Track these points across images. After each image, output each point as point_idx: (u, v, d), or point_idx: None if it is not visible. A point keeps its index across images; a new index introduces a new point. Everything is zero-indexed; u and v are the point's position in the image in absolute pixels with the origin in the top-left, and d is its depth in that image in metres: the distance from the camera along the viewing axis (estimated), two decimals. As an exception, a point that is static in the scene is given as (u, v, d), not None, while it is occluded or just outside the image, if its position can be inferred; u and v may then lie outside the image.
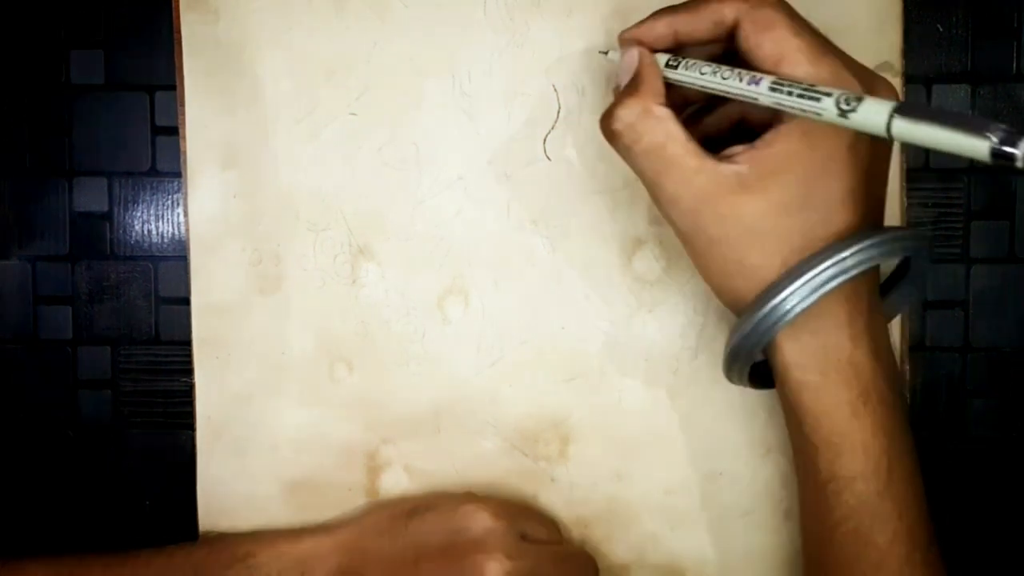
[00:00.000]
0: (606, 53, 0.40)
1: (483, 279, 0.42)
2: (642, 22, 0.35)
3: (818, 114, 0.29)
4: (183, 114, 0.41)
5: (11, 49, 0.42)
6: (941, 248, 0.43)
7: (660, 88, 0.34)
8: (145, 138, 0.43)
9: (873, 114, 0.28)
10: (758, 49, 0.32)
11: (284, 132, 0.42)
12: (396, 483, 0.43)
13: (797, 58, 0.31)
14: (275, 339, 0.42)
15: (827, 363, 0.33)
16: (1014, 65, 0.42)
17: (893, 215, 0.41)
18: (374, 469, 0.43)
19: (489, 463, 0.43)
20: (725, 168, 0.32)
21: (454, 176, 0.42)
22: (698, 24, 0.34)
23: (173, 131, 0.42)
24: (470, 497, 0.41)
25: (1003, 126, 0.25)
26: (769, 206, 0.32)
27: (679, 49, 0.35)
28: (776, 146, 0.32)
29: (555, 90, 0.41)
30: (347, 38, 0.41)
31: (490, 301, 0.42)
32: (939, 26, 0.42)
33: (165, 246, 0.43)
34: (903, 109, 0.27)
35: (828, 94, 0.29)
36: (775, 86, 0.31)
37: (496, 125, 0.42)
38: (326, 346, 0.42)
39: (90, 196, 0.43)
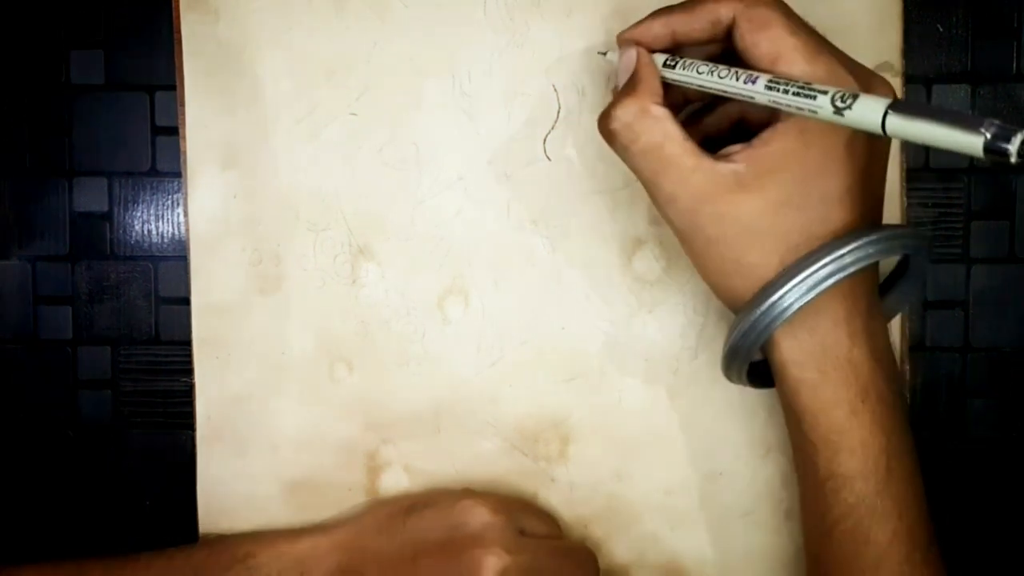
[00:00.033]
0: (605, 54, 0.40)
1: (483, 279, 0.42)
2: (640, 22, 0.35)
3: (814, 112, 0.30)
4: (183, 114, 0.41)
5: (11, 49, 0.42)
6: (941, 248, 0.43)
7: (657, 88, 0.34)
8: (145, 138, 0.43)
9: (868, 111, 0.28)
10: (754, 48, 0.32)
11: (284, 132, 0.42)
12: (396, 483, 0.43)
13: (793, 57, 0.32)
14: (275, 339, 0.42)
15: (825, 361, 0.33)
16: (1014, 65, 0.42)
17: (893, 215, 0.41)
18: (374, 469, 0.43)
19: (489, 463, 0.43)
20: (722, 167, 0.32)
21: (454, 176, 0.42)
22: (695, 24, 0.34)
23: (173, 131, 0.42)
24: (468, 493, 0.41)
25: (997, 122, 0.25)
26: (766, 204, 0.32)
27: (677, 49, 0.35)
28: (773, 145, 0.32)
29: (555, 90, 0.41)
30: (347, 38, 0.41)
31: (490, 301, 0.42)
32: (939, 26, 0.42)
33: (165, 246, 0.43)
34: (898, 106, 0.27)
35: (824, 92, 0.29)
36: (771, 84, 0.31)
37: (496, 125, 0.42)
38: (326, 346, 0.42)
39: (90, 196, 0.43)
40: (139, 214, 0.43)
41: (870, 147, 0.33)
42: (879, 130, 0.27)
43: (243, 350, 0.42)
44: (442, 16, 0.41)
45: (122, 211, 0.43)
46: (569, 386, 0.42)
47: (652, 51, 0.35)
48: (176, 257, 0.43)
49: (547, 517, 0.42)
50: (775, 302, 0.32)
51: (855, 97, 0.28)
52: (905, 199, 0.42)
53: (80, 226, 0.43)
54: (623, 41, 0.36)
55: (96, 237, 0.43)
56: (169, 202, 0.43)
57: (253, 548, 0.40)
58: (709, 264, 0.34)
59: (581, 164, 0.42)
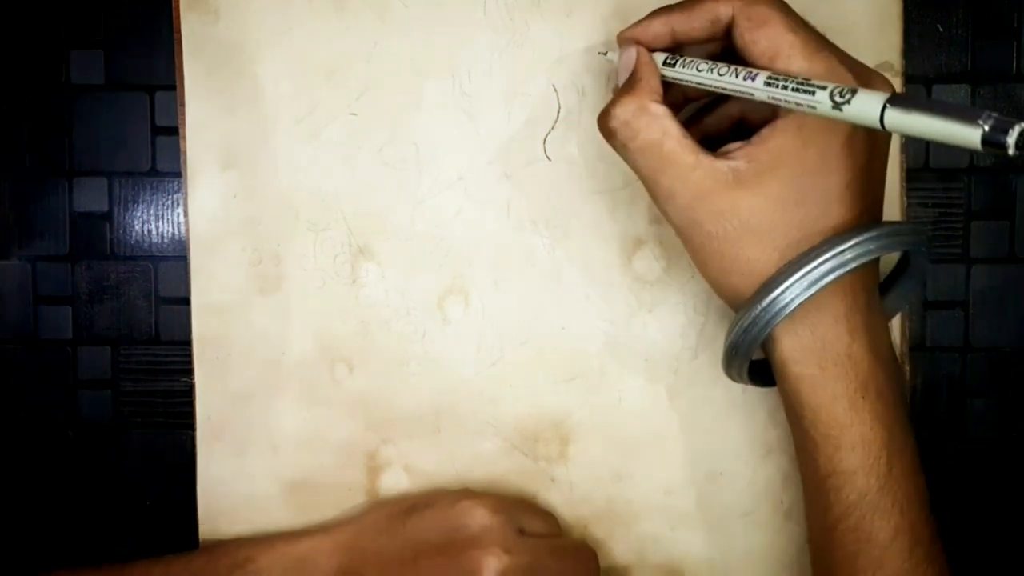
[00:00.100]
0: (605, 54, 0.40)
1: (483, 279, 0.42)
2: (639, 22, 0.36)
3: (813, 107, 0.30)
4: (183, 114, 0.41)
5: (11, 49, 0.42)
6: (941, 248, 0.43)
7: (657, 86, 0.34)
8: (145, 138, 0.43)
9: (866, 105, 0.28)
10: (754, 46, 0.32)
11: (284, 132, 0.42)
12: (396, 483, 0.43)
13: (792, 53, 0.32)
14: (275, 339, 0.42)
15: (825, 356, 0.33)
16: (1014, 65, 0.42)
17: (893, 215, 0.41)
18: (374, 469, 0.43)
19: (489, 463, 0.43)
20: (721, 164, 0.32)
21: (454, 176, 0.42)
22: (694, 22, 0.34)
23: (173, 131, 0.42)
24: (467, 493, 0.41)
25: (995, 114, 0.25)
26: (766, 201, 0.32)
27: (677, 48, 0.36)
28: (772, 142, 0.32)
29: (555, 90, 0.41)
30: (347, 38, 0.41)
31: (490, 301, 0.42)
32: (939, 26, 0.42)
33: (165, 246, 0.43)
34: (896, 100, 0.27)
35: (822, 87, 0.29)
36: (770, 81, 0.31)
37: (496, 125, 0.42)
38: (326, 346, 0.42)
39: (90, 196, 0.43)
40: (139, 214, 0.43)
41: (870, 144, 0.33)
42: (878, 124, 0.28)
43: (243, 350, 0.42)
44: (442, 16, 0.41)
45: (122, 211, 0.43)
46: (569, 386, 0.42)
47: (652, 50, 0.35)
48: (176, 257, 0.43)
49: (547, 516, 0.41)
50: (775, 298, 0.32)
51: (854, 92, 0.28)
52: (905, 199, 0.42)
53: (80, 226, 0.43)
54: (623, 40, 0.36)
55: (96, 237, 0.43)
56: (169, 202, 0.43)
57: (252, 552, 0.39)
58: (709, 261, 0.34)
59: (581, 164, 0.42)
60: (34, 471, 0.43)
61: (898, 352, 0.42)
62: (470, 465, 0.43)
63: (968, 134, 0.25)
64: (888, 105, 0.27)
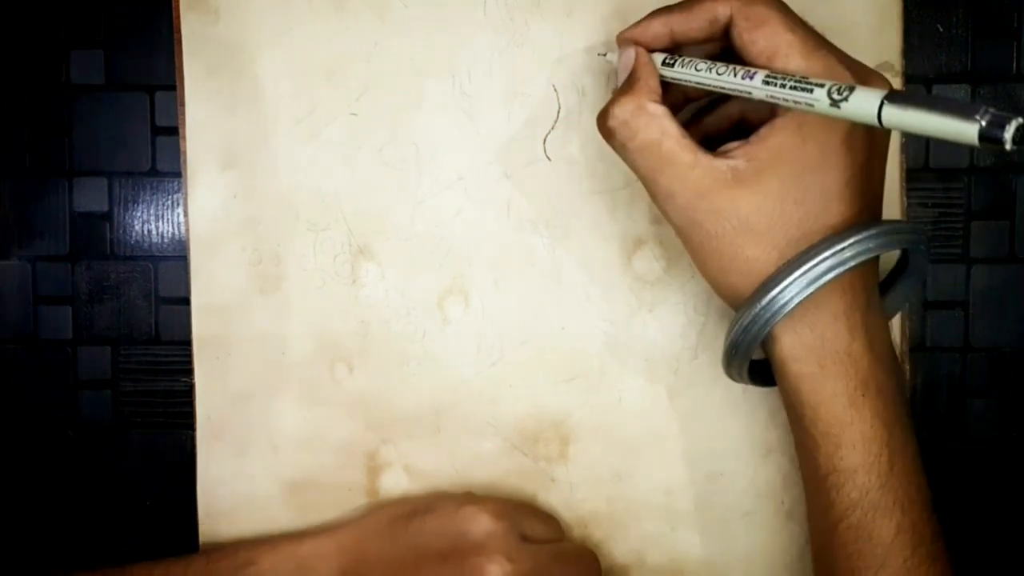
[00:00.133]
0: (605, 55, 0.40)
1: (483, 279, 0.42)
2: (638, 22, 0.36)
3: (811, 105, 0.30)
4: (183, 114, 0.41)
5: (11, 49, 0.42)
6: (941, 248, 0.43)
7: (655, 86, 0.34)
8: (145, 138, 0.43)
9: (864, 102, 0.28)
10: (752, 45, 0.32)
11: (284, 132, 0.42)
12: (396, 483, 0.43)
13: (790, 52, 0.32)
14: (275, 339, 0.42)
15: (824, 354, 0.33)
16: (1014, 65, 0.42)
17: (893, 215, 0.42)
18: (374, 469, 0.42)
19: (489, 463, 0.43)
20: (720, 163, 0.33)
21: (454, 176, 0.42)
22: (693, 23, 0.34)
23: (173, 131, 0.42)
24: (470, 498, 0.41)
25: (992, 110, 0.25)
26: (765, 199, 0.32)
27: (677, 49, 0.36)
28: (771, 140, 0.32)
29: (555, 90, 0.42)
30: (347, 38, 0.41)
31: (490, 301, 0.42)
32: (939, 26, 0.42)
33: (165, 246, 0.43)
34: (894, 96, 0.27)
35: (820, 85, 0.29)
36: (768, 79, 0.31)
37: (496, 125, 0.42)
38: (326, 346, 0.42)
39: (90, 196, 0.43)
40: (139, 214, 0.43)
41: (869, 142, 0.33)
42: (875, 121, 0.28)
43: (243, 350, 0.42)
44: (442, 16, 0.41)
45: (122, 211, 0.43)
46: (569, 386, 0.42)
47: (651, 51, 0.36)
48: (176, 257, 0.43)
49: (549, 520, 0.41)
50: (775, 297, 0.32)
51: (851, 89, 0.29)
52: (905, 199, 0.42)
53: (80, 226, 0.43)
54: (622, 41, 0.36)
55: (96, 237, 0.43)
56: (169, 202, 0.43)
57: (253, 554, 0.39)
58: (708, 260, 0.34)
59: (581, 164, 0.42)
60: (34, 471, 0.43)
61: (898, 352, 0.42)
62: (470, 465, 0.43)
63: (965, 129, 0.25)
64: (886, 101, 0.27)
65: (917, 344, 0.43)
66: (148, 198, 0.43)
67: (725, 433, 0.42)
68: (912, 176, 0.42)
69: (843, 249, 0.32)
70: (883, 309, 0.36)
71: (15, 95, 0.42)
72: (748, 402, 0.42)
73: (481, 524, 0.38)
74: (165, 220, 0.43)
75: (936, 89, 0.42)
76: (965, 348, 0.43)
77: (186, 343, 0.42)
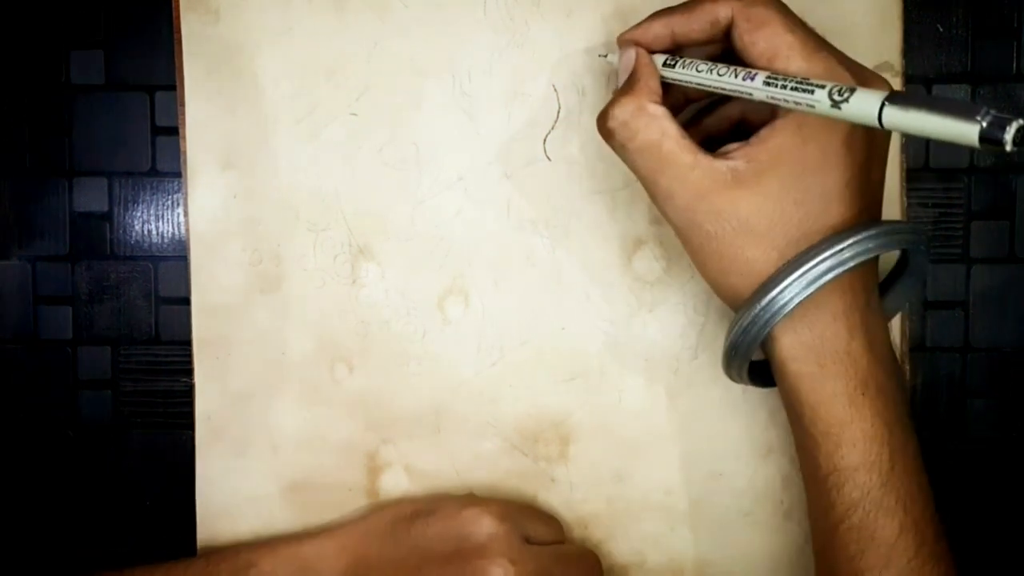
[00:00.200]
0: (605, 56, 0.40)
1: (483, 279, 0.42)
2: (639, 24, 0.36)
3: (811, 106, 0.30)
4: (183, 114, 0.41)
5: (11, 49, 0.42)
6: (941, 248, 0.43)
7: (655, 87, 0.34)
8: (145, 138, 0.43)
9: (865, 103, 0.28)
10: (753, 47, 0.33)
11: (284, 132, 0.42)
12: (396, 483, 0.43)
13: (791, 54, 0.32)
14: (275, 339, 0.42)
15: (824, 354, 0.33)
16: (1014, 65, 0.42)
17: (893, 215, 0.42)
18: (374, 469, 0.42)
19: (489, 463, 0.43)
20: (720, 164, 0.33)
21: (454, 176, 0.42)
22: (693, 24, 0.34)
23: (173, 131, 0.42)
24: (472, 500, 0.41)
25: (992, 111, 0.25)
26: (765, 200, 0.32)
27: (677, 50, 0.36)
28: (771, 141, 0.32)
29: (555, 90, 0.42)
30: (347, 38, 0.41)
31: (490, 301, 0.42)
32: (939, 26, 0.42)
33: (165, 246, 0.43)
34: (894, 97, 0.27)
35: (821, 86, 0.29)
36: (769, 81, 0.31)
37: (496, 125, 0.42)
38: (326, 346, 0.42)
39: (90, 196, 0.43)
40: (139, 214, 0.43)
41: (869, 143, 0.33)
42: (876, 122, 0.28)
43: (243, 350, 0.42)
44: (442, 16, 0.41)
45: (122, 211, 0.43)
46: (569, 386, 0.42)
47: (652, 52, 0.36)
48: (176, 257, 0.43)
49: (551, 521, 0.41)
50: (775, 297, 0.32)
51: (852, 90, 0.29)
52: (905, 199, 0.42)
53: (80, 226, 0.43)
54: (623, 42, 0.36)
55: (96, 237, 0.43)
56: (169, 202, 0.43)
57: (253, 556, 0.39)
58: (708, 261, 0.34)
59: (581, 164, 0.42)
60: (34, 471, 0.43)
61: (898, 352, 0.42)
62: (470, 465, 0.43)
63: (966, 131, 0.25)
64: (886, 103, 0.27)
65: (917, 344, 0.43)
66: (148, 198, 0.43)
67: (725, 433, 0.42)
68: (912, 176, 0.42)
69: (843, 250, 0.32)
70: (883, 309, 0.36)
71: (15, 95, 0.42)
72: (748, 402, 0.42)
73: (484, 526, 0.38)
74: (165, 220, 0.43)
75: (936, 89, 0.42)
76: (965, 348, 0.43)
77: (186, 343, 0.42)
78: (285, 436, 0.42)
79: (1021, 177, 0.43)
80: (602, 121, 0.35)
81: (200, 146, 0.41)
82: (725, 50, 0.35)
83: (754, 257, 0.33)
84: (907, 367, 0.43)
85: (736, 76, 0.32)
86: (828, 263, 0.32)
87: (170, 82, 0.42)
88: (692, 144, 0.33)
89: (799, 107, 0.30)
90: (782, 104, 0.31)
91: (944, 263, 0.43)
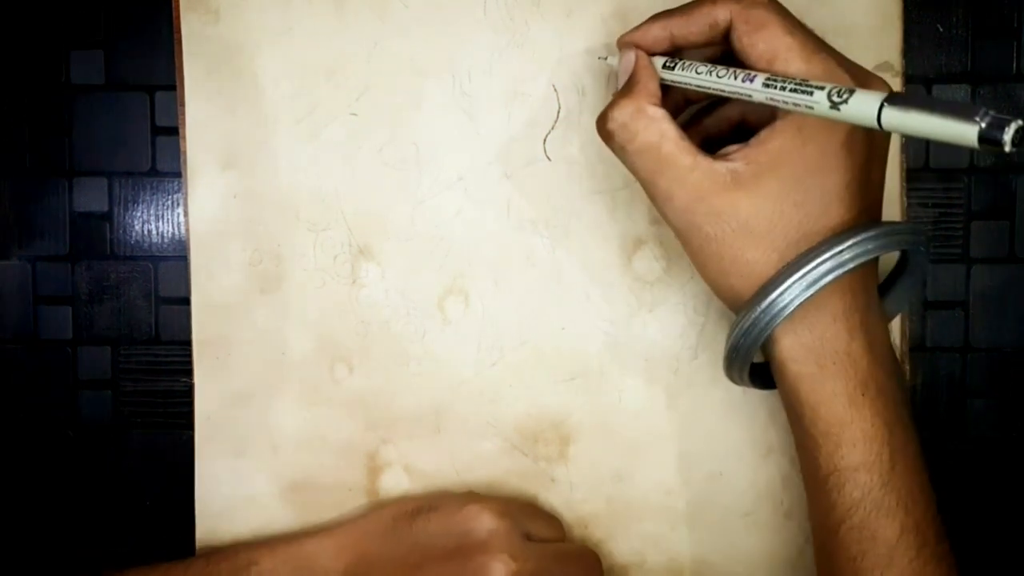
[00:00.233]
0: (605, 58, 0.40)
1: (483, 279, 0.42)
2: (639, 26, 0.36)
3: (810, 107, 0.30)
4: (183, 114, 0.41)
5: (11, 49, 0.42)
6: (941, 248, 0.43)
7: (654, 89, 0.34)
8: (145, 138, 0.43)
9: (864, 105, 0.28)
10: (752, 49, 0.33)
11: (284, 132, 0.42)
12: (396, 483, 0.43)
13: (790, 56, 0.32)
14: (275, 339, 0.42)
15: (823, 354, 0.33)
16: (1014, 65, 0.42)
17: (893, 215, 0.42)
18: (374, 469, 0.43)
19: (489, 463, 0.43)
20: (719, 165, 0.33)
21: (454, 176, 0.42)
22: (692, 26, 0.34)
23: (173, 131, 0.42)
24: (473, 497, 0.41)
25: (991, 112, 0.25)
26: (764, 202, 0.32)
27: (677, 52, 0.36)
28: (770, 143, 0.32)
29: (555, 90, 0.41)
30: (347, 38, 0.41)
31: (490, 301, 0.42)
32: (939, 26, 0.42)
33: (165, 246, 0.43)
34: (893, 98, 0.27)
35: (820, 87, 0.30)
36: (768, 82, 0.31)
37: (496, 125, 0.42)
38: (326, 346, 0.42)
39: (90, 196, 0.43)
40: (139, 214, 0.43)
41: (869, 143, 0.33)
42: (875, 124, 0.28)
43: (243, 350, 0.42)
44: (442, 16, 0.41)
45: (122, 211, 0.43)
46: (569, 386, 0.42)
47: (652, 54, 0.36)
48: (176, 257, 0.43)
49: (552, 520, 0.42)
50: (775, 299, 0.32)
51: (851, 92, 0.29)
52: (905, 199, 0.42)
53: (80, 226, 0.43)
54: (622, 44, 0.36)
55: (96, 237, 0.43)
56: (169, 202, 0.43)
57: (255, 555, 0.39)
58: (708, 263, 0.34)
59: (581, 164, 0.42)
60: (34, 471, 0.43)
61: (898, 352, 0.42)
62: (470, 465, 0.43)
63: (965, 131, 0.25)
64: (885, 104, 0.27)
65: (917, 344, 0.43)
66: (148, 198, 0.43)
67: (725, 433, 0.42)
68: (912, 176, 0.42)
69: (842, 251, 0.32)
70: (883, 310, 0.36)
71: (15, 95, 0.42)
72: (748, 402, 0.42)
73: (485, 522, 0.38)
74: (165, 220, 0.43)
75: (936, 89, 0.42)
76: (965, 348, 0.43)
77: (186, 343, 0.42)
78: (285, 436, 0.42)
79: (1021, 177, 0.43)
80: (601, 123, 0.35)
81: (200, 146, 0.41)
82: (724, 52, 0.35)
83: (754, 259, 0.33)
84: (907, 367, 0.43)
85: (735, 78, 0.32)
86: (828, 265, 0.32)
87: (170, 82, 0.42)
88: (691, 146, 0.33)
89: (798, 109, 0.30)
90: (781, 106, 0.31)
91: (944, 263, 0.43)
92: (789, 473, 0.42)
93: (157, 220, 0.43)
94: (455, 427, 0.42)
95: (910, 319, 0.43)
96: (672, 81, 0.35)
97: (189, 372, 0.42)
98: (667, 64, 0.35)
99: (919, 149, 0.42)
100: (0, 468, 0.43)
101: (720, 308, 0.41)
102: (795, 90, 0.30)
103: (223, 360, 0.42)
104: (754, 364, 0.36)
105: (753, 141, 0.33)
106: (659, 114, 0.34)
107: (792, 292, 0.32)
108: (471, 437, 0.42)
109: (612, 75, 0.41)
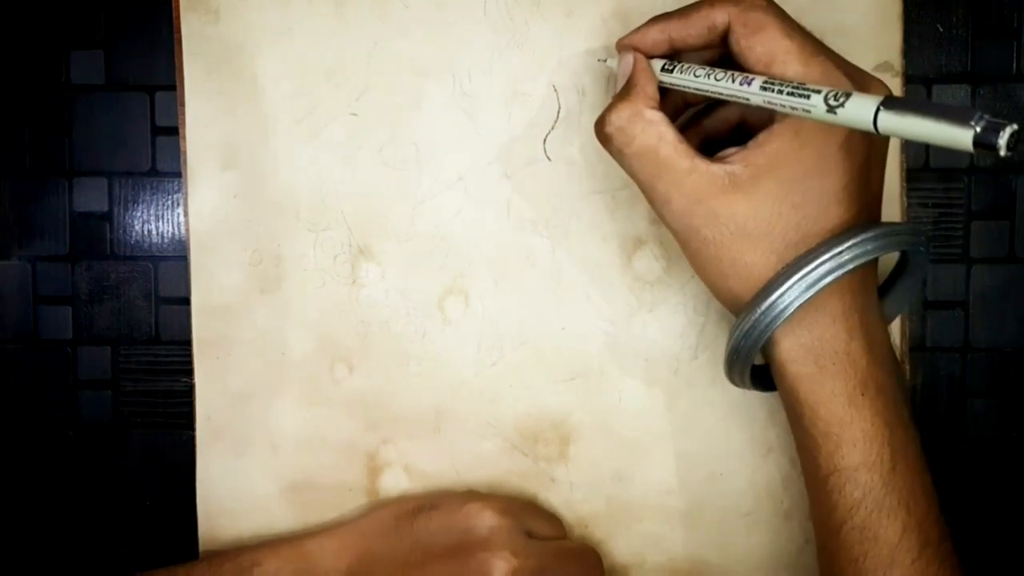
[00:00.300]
0: (604, 60, 0.40)
1: (483, 279, 0.42)
2: (637, 29, 0.36)
3: (807, 111, 0.30)
4: (183, 114, 0.41)
5: (11, 49, 0.42)
6: (941, 248, 0.43)
7: (653, 92, 0.34)
8: (145, 138, 0.43)
9: (860, 108, 0.28)
10: (750, 51, 0.33)
11: (284, 132, 0.42)
12: (396, 483, 0.43)
13: (787, 59, 0.32)
14: (275, 339, 0.42)
15: (823, 355, 0.33)
16: (1014, 65, 0.42)
17: (893, 215, 0.42)
18: (374, 469, 0.43)
19: (489, 463, 0.43)
20: (717, 168, 0.33)
21: (454, 176, 0.42)
22: (691, 29, 0.34)
23: (173, 131, 0.42)
24: (474, 495, 0.41)
25: (987, 116, 0.25)
26: (763, 203, 0.32)
27: (676, 55, 0.36)
28: (768, 146, 0.32)
29: (555, 90, 0.41)
30: (347, 38, 0.41)
31: (490, 301, 0.42)
32: (939, 26, 0.42)
33: (165, 246, 0.43)
34: (889, 102, 0.27)
35: (817, 91, 0.30)
36: (766, 85, 0.31)
37: (496, 125, 0.42)
38: (326, 346, 0.42)
39: (90, 196, 0.43)
40: (139, 214, 0.43)
41: (868, 146, 0.33)
42: (871, 127, 0.28)
43: (243, 350, 0.42)
44: (442, 16, 0.41)
45: (122, 211, 0.43)
46: (569, 386, 0.42)
47: (650, 57, 0.36)
48: (176, 257, 0.43)
49: (552, 518, 0.42)
50: (774, 301, 0.32)
51: (848, 95, 0.29)
52: (905, 199, 0.42)
53: (80, 226, 0.43)
54: (621, 47, 0.36)
55: (96, 237, 0.43)
56: (169, 202, 0.43)
57: (257, 557, 0.39)
58: (707, 266, 0.34)
59: (581, 164, 0.42)
60: (34, 471, 0.43)
61: (898, 352, 0.42)
62: (470, 465, 0.43)
63: (960, 136, 0.25)
64: (881, 108, 0.27)
65: (917, 344, 0.43)
66: (148, 198, 0.43)
67: (725, 433, 0.42)
68: (912, 176, 0.42)
69: (841, 252, 0.32)
70: (883, 310, 0.36)
71: (15, 95, 0.42)
72: (748, 402, 0.42)
73: (486, 520, 0.38)
74: (165, 220, 0.43)
75: (936, 89, 0.42)
76: (965, 348, 0.43)
77: (186, 343, 0.42)
78: (285, 436, 0.42)
79: (1021, 177, 0.43)
80: (599, 126, 0.35)
81: (200, 146, 0.41)
82: (723, 55, 0.35)
83: (753, 261, 0.33)
84: (907, 367, 0.43)
85: (733, 81, 0.32)
86: (827, 266, 0.32)
87: (170, 82, 0.42)
88: (689, 149, 0.33)
89: (795, 112, 0.30)
90: (779, 109, 0.31)
91: (944, 263, 0.43)
92: (789, 473, 0.42)
93: (157, 220, 0.43)
94: (455, 427, 0.42)
95: (910, 319, 0.43)
96: (671, 84, 0.35)
97: (189, 372, 0.42)
98: (666, 67, 0.35)
99: (919, 149, 0.42)
100: (0, 468, 0.43)
101: (720, 308, 0.41)
102: (792, 93, 0.30)
103: (223, 360, 0.42)
104: (755, 366, 0.36)
105: (751, 144, 0.33)
106: (657, 117, 0.34)
107: (791, 294, 0.32)
108: (471, 437, 0.42)
109: (612, 76, 0.41)
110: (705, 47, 0.35)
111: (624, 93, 0.35)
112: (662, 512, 0.43)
